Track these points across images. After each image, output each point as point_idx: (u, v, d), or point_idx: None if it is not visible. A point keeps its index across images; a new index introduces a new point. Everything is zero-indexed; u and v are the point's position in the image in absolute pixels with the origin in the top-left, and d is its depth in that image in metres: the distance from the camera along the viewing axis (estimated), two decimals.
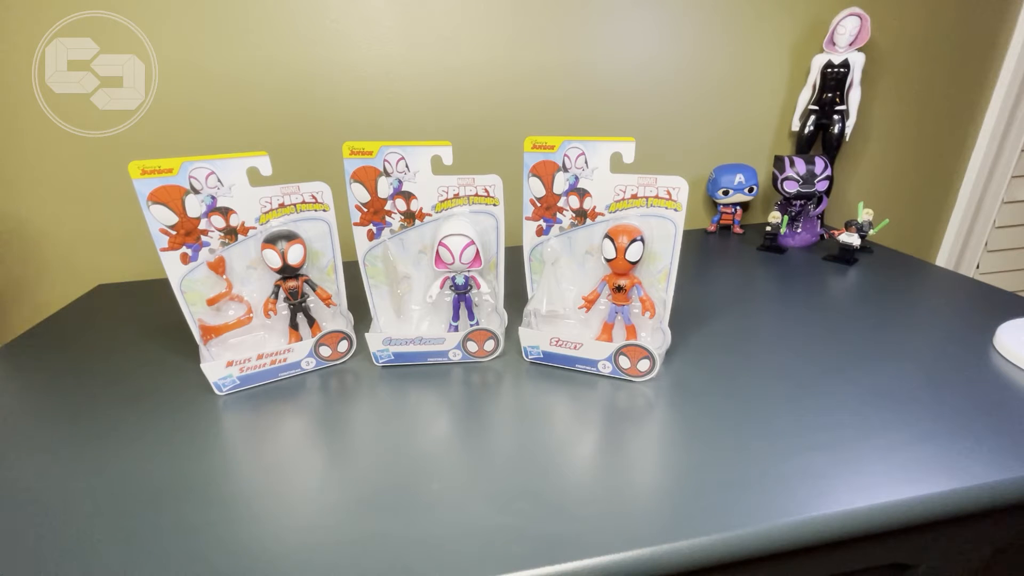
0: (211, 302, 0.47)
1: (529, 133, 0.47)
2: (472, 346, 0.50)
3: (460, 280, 0.49)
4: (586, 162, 0.45)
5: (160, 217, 0.42)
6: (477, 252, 0.47)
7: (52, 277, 0.75)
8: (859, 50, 0.76)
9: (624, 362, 0.46)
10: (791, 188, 0.75)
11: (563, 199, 0.47)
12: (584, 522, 0.31)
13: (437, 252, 0.47)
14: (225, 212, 0.45)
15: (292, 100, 0.72)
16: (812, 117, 0.81)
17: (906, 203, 0.98)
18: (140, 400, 0.46)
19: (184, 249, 0.44)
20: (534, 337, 0.48)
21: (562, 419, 0.42)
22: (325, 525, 0.32)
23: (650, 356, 0.45)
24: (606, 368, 0.46)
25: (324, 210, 0.48)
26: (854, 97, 0.78)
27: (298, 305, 0.49)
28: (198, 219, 0.44)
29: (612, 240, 0.44)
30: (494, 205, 0.48)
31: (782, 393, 0.43)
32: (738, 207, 0.85)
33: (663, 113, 0.83)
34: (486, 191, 0.48)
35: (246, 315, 0.49)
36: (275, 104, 0.72)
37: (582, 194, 0.46)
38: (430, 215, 0.49)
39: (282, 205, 0.47)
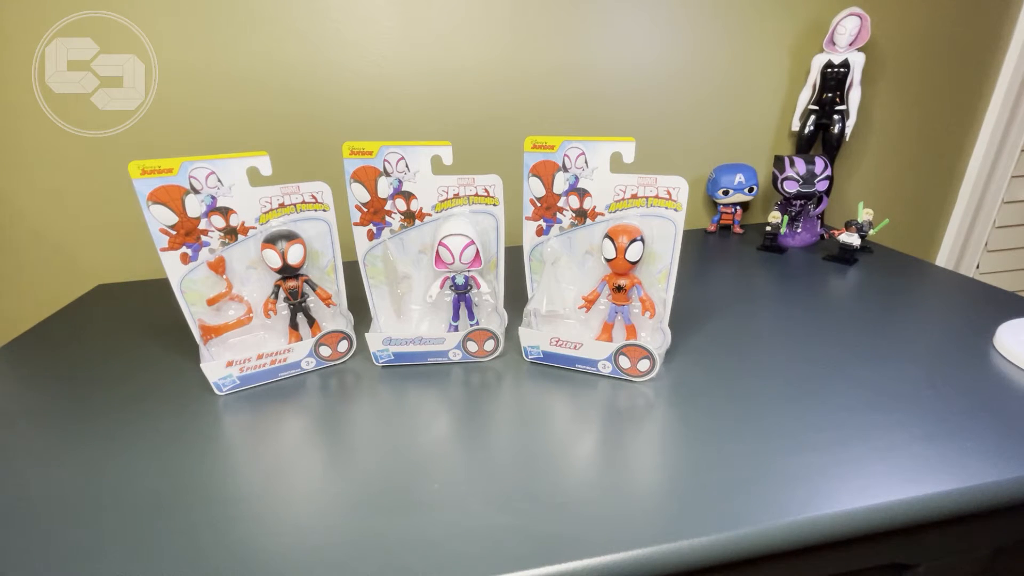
0: (211, 302, 0.47)
1: (529, 133, 0.47)
2: (472, 346, 0.50)
3: (460, 280, 0.49)
4: (586, 162, 0.45)
5: (160, 217, 0.42)
6: (477, 252, 0.47)
7: (52, 277, 0.75)
8: (859, 50, 0.76)
9: (624, 362, 0.46)
10: (791, 188, 0.75)
11: (563, 199, 0.47)
12: (584, 522, 0.31)
13: (437, 252, 0.47)
14: (225, 212, 0.45)
15: (292, 100, 0.72)
16: (812, 117, 0.81)
17: (906, 203, 0.98)
18: (140, 400, 0.46)
19: (184, 249, 0.44)
20: (534, 337, 0.48)
21: (562, 419, 0.42)
22: (325, 525, 0.32)
23: (650, 356, 0.45)
24: (606, 368, 0.46)
25: (324, 210, 0.48)
26: (854, 97, 0.78)
27: (298, 305, 0.49)
28: (198, 219, 0.44)
29: (612, 240, 0.44)
30: (494, 205, 0.48)
31: (782, 393, 0.43)
32: (738, 207, 0.85)
33: (663, 113, 0.83)
34: (486, 191, 0.48)
35: (246, 315, 0.49)
36: (275, 104, 0.72)
37: (582, 194, 0.46)
38: (430, 215, 0.49)
39: (282, 205, 0.47)
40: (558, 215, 0.48)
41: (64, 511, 0.34)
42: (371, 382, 0.48)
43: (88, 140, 0.69)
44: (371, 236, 0.50)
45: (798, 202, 0.76)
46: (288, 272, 0.47)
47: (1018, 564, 0.42)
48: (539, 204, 0.48)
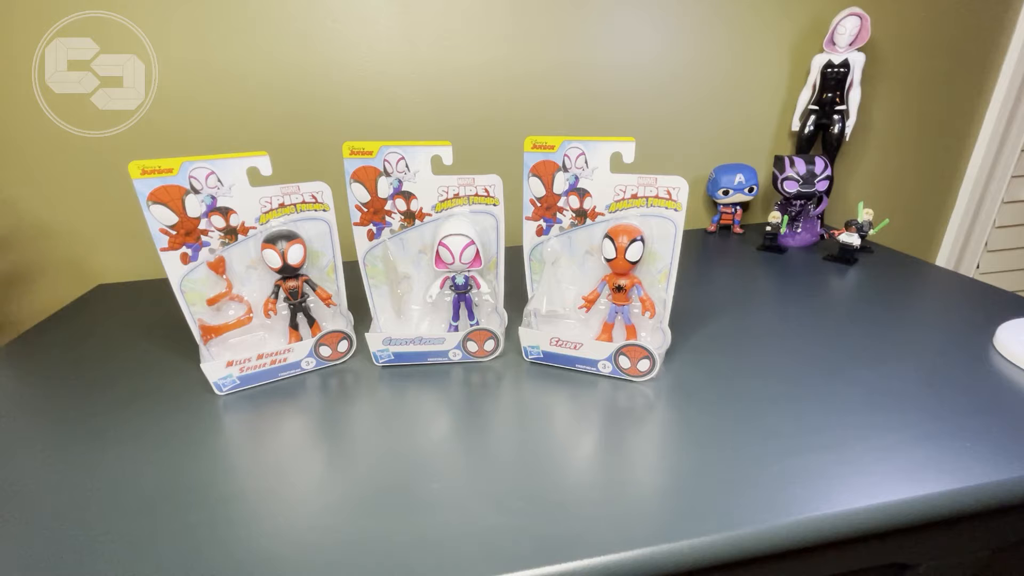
0: (211, 302, 0.47)
1: (529, 133, 0.47)
2: (472, 346, 0.50)
3: (460, 280, 0.49)
4: (586, 162, 0.45)
5: (160, 217, 0.42)
6: (477, 252, 0.47)
7: (52, 277, 0.75)
8: (859, 50, 0.76)
9: (624, 362, 0.46)
10: (791, 188, 0.75)
11: (563, 199, 0.47)
12: (584, 522, 0.31)
13: (437, 252, 0.47)
14: (225, 212, 0.45)
15: (292, 100, 0.72)
16: (812, 117, 0.81)
17: (906, 203, 0.98)
18: (140, 400, 0.46)
19: (184, 249, 0.44)
20: (534, 337, 0.48)
21: (562, 419, 0.42)
22: (325, 525, 0.32)
23: (650, 356, 0.45)
24: (606, 368, 0.46)
25: (324, 210, 0.48)
26: (854, 97, 0.78)
27: (298, 305, 0.49)
28: (198, 219, 0.44)
29: (612, 240, 0.44)
30: (494, 205, 0.48)
31: (782, 393, 0.43)
32: (738, 207, 0.85)
33: (663, 113, 0.83)
34: (486, 191, 0.48)
35: (246, 315, 0.49)
36: (275, 104, 0.72)
37: (582, 194, 0.46)
38: (430, 215, 0.49)
39: (282, 205, 0.47)
40: (558, 215, 0.48)
41: (64, 510, 0.34)
42: (371, 382, 0.48)
43: (88, 140, 0.69)
44: (371, 236, 0.50)
45: (798, 202, 0.76)
46: (288, 272, 0.47)
47: (1018, 564, 0.42)
48: (539, 204, 0.48)
